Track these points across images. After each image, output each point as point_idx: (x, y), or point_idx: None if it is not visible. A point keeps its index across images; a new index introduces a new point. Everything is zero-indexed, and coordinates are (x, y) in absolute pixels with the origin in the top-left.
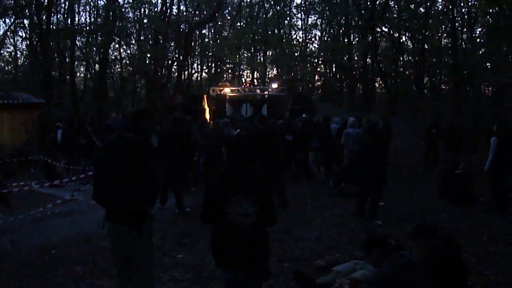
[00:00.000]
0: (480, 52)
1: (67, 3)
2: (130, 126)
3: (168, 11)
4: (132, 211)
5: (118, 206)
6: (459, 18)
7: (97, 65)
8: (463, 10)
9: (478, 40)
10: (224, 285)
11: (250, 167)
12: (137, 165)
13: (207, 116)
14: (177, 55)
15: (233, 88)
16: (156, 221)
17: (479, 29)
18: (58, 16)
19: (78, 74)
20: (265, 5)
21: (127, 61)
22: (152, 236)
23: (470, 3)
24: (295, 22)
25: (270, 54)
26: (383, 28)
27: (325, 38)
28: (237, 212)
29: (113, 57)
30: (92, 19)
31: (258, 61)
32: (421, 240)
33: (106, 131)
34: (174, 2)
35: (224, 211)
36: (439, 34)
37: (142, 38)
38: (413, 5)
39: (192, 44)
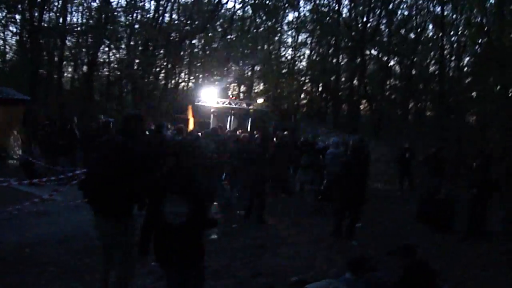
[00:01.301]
0: (467, 81)
1: (60, 1)
2: (121, 129)
3: (160, 19)
4: (118, 208)
5: (105, 203)
6: (448, 46)
7: (85, 67)
8: (453, 38)
9: (465, 69)
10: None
11: (185, 170)
12: (123, 166)
13: (191, 126)
14: (165, 63)
15: (219, 100)
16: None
17: (467, 58)
18: (50, 14)
19: (65, 74)
20: (257, 20)
21: (115, 65)
22: (134, 231)
23: (460, 32)
24: (285, 39)
25: (258, 69)
26: (372, 51)
27: (314, 57)
28: (170, 211)
29: (101, 60)
30: (84, 20)
31: (246, 75)
32: (399, 259)
33: (91, 133)
34: (167, 10)
35: (160, 210)
36: (428, 61)
37: (132, 43)
38: (403, 30)
39: (181, 53)
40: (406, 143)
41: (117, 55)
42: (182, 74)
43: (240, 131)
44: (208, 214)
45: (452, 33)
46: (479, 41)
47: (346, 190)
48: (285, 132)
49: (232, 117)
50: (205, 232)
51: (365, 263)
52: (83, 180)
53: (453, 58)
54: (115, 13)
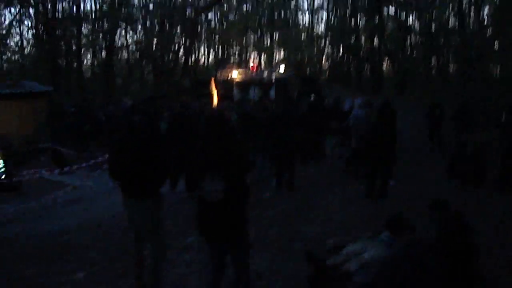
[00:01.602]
0: (487, 33)
1: None
2: (137, 110)
3: None
4: (141, 187)
5: (129, 183)
6: None
7: (103, 52)
8: None
9: (485, 20)
10: (210, 257)
11: (220, 145)
12: (143, 145)
13: (215, 100)
14: (183, 40)
15: (241, 72)
16: (165, 202)
17: (487, 9)
18: (64, 4)
19: (85, 62)
20: None
21: (134, 48)
22: (160, 210)
23: None
24: (302, 5)
25: (276, 37)
26: (390, 9)
27: (332, 20)
28: (208, 188)
29: (119, 44)
30: (98, 6)
31: (265, 44)
32: (433, 213)
33: (111, 116)
34: None
35: (199, 187)
36: (447, 15)
37: (148, 24)
38: None
39: (198, 28)
40: (435, 99)
41: (135, 37)
42: (201, 49)
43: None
44: (247, 184)
45: None
46: None
47: (376, 151)
48: (312, 97)
49: (255, 87)
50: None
51: (403, 222)
52: (109, 163)
53: (472, 10)
54: None
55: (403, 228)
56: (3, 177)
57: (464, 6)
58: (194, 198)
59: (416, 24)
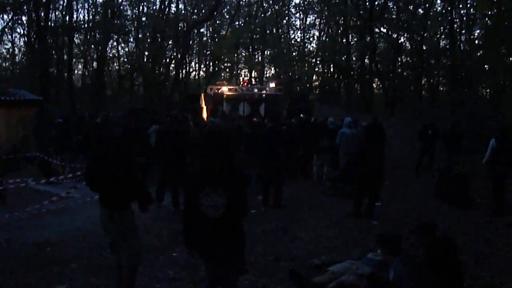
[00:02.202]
0: (478, 54)
1: (65, 0)
2: (116, 123)
3: (167, 9)
4: (113, 198)
5: (102, 192)
6: (457, 20)
7: (95, 63)
8: (462, 11)
9: (476, 42)
10: (206, 273)
11: (222, 160)
12: (117, 158)
13: (204, 114)
14: (175, 54)
15: (231, 87)
16: (151, 218)
17: (478, 31)
18: (56, 13)
19: (76, 72)
20: (264, 4)
21: (125, 59)
22: (132, 221)
23: (468, 5)
24: (294, 22)
25: (268, 54)
26: (382, 29)
27: (324, 38)
28: (208, 203)
29: (111, 55)
30: (91, 17)
31: (256, 60)
32: (420, 237)
33: (96, 128)
34: (173, 0)
35: (198, 203)
36: (438, 36)
37: (140, 36)
38: (411, 6)
39: (190, 42)
40: (425, 119)
41: (126, 49)
42: (193, 64)
43: (253, 119)
44: (246, 201)
45: (461, 6)
46: (489, 13)
47: (363, 170)
48: (301, 115)
49: (245, 103)
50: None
51: (399, 242)
52: (85, 172)
53: (463, 31)
54: (121, 7)
55: (399, 248)
56: None
57: (455, 27)
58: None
59: (407, 44)
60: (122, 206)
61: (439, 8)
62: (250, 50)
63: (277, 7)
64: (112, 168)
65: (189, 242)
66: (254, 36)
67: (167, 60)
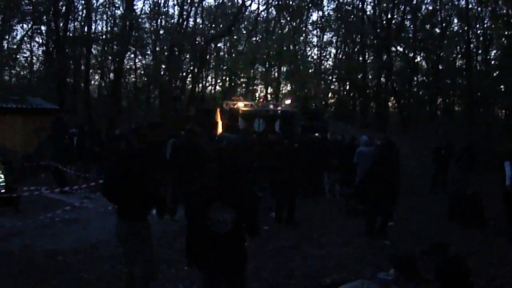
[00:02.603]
0: (494, 74)
1: (84, 11)
2: (138, 136)
3: (185, 23)
4: (130, 210)
5: (120, 204)
6: (474, 40)
7: (111, 74)
8: (479, 31)
9: (492, 62)
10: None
11: (233, 178)
12: (136, 171)
13: (219, 129)
14: (191, 67)
15: (247, 103)
16: (163, 232)
17: (494, 51)
18: (75, 23)
19: (92, 82)
20: (281, 20)
21: (142, 71)
22: (149, 233)
23: (486, 25)
24: (311, 39)
25: (284, 70)
26: (398, 48)
27: (340, 56)
28: (216, 218)
29: (128, 67)
30: (109, 28)
31: (272, 76)
32: (432, 258)
33: (114, 140)
34: (191, 14)
35: (204, 217)
36: (454, 55)
37: (157, 49)
38: (428, 26)
39: (207, 57)
40: (439, 139)
41: (143, 61)
42: (209, 78)
43: (273, 136)
44: (257, 221)
45: (477, 26)
46: (506, 33)
47: (377, 190)
48: (316, 134)
49: (260, 119)
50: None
51: (414, 266)
52: (103, 183)
53: (479, 51)
54: (140, 20)
55: (414, 272)
56: (2, 191)
57: (471, 47)
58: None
59: (424, 64)
60: (140, 218)
61: (456, 28)
62: (267, 66)
63: (294, 24)
64: (132, 181)
65: (190, 256)
66: (271, 52)
67: (184, 73)
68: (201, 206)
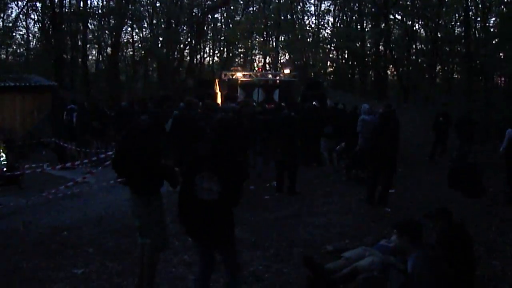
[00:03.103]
0: (494, 42)
1: None
2: (146, 109)
3: None
4: (141, 184)
5: (131, 179)
6: (473, 7)
7: (109, 48)
8: None
9: (491, 29)
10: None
11: (224, 148)
12: (146, 146)
13: (219, 100)
14: (189, 39)
15: (245, 73)
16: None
17: (493, 19)
18: None
19: (90, 57)
20: None
21: (139, 45)
22: (161, 207)
23: None
24: (308, 8)
25: (282, 39)
26: (396, 16)
27: (338, 25)
28: (202, 186)
29: (125, 41)
30: (105, 2)
31: (270, 46)
32: (438, 222)
33: (122, 114)
34: None
35: (192, 183)
36: (453, 23)
37: (154, 21)
38: None
39: (205, 28)
40: (439, 107)
41: (140, 35)
42: (207, 49)
43: (271, 105)
44: (239, 193)
45: None
46: (504, 0)
47: (378, 157)
48: (314, 103)
49: (260, 89)
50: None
51: (421, 231)
52: (113, 159)
53: (478, 18)
54: None
55: (420, 238)
56: (4, 169)
57: (470, 14)
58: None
59: (422, 31)
60: (152, 192)
61: None
62: (264, 36)
63: None
64: (141, 156)
65: (184, 222)
66: (269, 22)
67: (182, 46)
68: (190, 174)
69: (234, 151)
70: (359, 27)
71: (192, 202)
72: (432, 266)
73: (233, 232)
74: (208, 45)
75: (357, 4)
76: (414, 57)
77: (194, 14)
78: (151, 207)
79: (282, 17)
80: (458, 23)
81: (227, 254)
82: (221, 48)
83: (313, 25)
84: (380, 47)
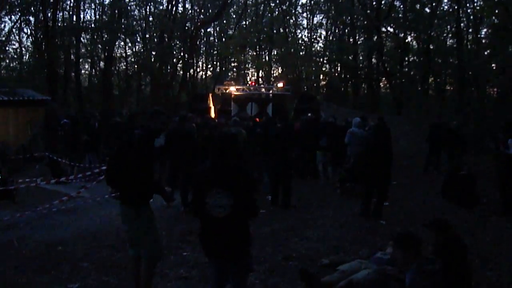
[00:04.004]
0: (486, 53)
1: (72, 0)
2: (139, 123)
3: (174, 9)
4: (132, 196)
5: (122, 191)
6: (464, 19)
7: (102, 63)
8: (469, 10)
9: (483, 41)
10: (211, 274)
11: (230, 162)
12: (138, 158)
13: (212, 114)
14: (182, 54)
15: (239, 87)
16: (160, 218)
17: (485, 30)
18: (64, 13)
19: (83, 72)
20: (271, 3)
21: (132, 59)
22: (152, 217)
23: (476, 3)
24: (301, 21)
25: (275, 53)
26: (389, 28)
27: (331, 38)
28: (214, 203)
29: (118, 55)
30: (98, 17)
31: (263, 60)
32: (435, 233)
33: (115, 127)
34: (180, 0)
35: (204, 202)
36: (445, 35)
37: (147, 36)
38: (418, 5)
39: (198, 42)
40: (432, 119)
41: (133, 49)
42: (200, 63)
43: (256, 119)
44: (255, 202)
45: (468, 5)
46: (496, 12)
47: (371, 170)
48: (309, 114)
49: (253, 103)
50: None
51: (419, 242)
52: (106, 171)
53: (470, 30)
54: (128, 7)
55: (414, 246)
56: None
57: (462, 26)
58: (191, 214)
59: (414, 44)
60: (143, 203)
61: (446, 7)
62: (257, 49)
63: (284, 7)
64: (131, 169)
65: (202, 246)
66: (261, 36)
67: (175, 60)
68: (200, 194)
69: (240, 163)
70: (351, 40)
71: (206, 221)
72: (429, 279)
73: (250, 244)
74: (201, 59)
75: (349, 17)
76: (406, 69)
77: (187, 28)
78: (142, 217)
79: (275, 31)
80: (450, 35)
81: (239, 272)
82: (214, 62)
83: (305, 39)
84: (373, 59)
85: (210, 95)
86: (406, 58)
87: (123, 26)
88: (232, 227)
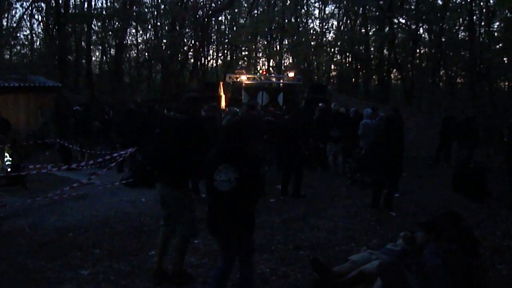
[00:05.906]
0: (498, 46)
1: None
2: (182, 109)
3: None
4: (177, 178)
5: (168, 173)
6: (477, 12)
7: (113, 50)
8: (481, 3)
9: (495, 34)
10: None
11: (236, 143)
12: (183, 141)
13: (223, 103)
14: (193, 42)
15: (250, 76)
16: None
17: (497, 23)
18: (75, 0)
19: (93, 59)
20: None
21: (143, 47)
22: (191, 198)
23: None
24: (312, 11)
25: (286, 43)
26: (401, 20)
27: (342, 28)
28: (221, 178)
29: (129, 42)
30: (109, 4)
31: (274, 49)
32: (446, 226)
33: (131, 114)
34: None
35: (212, 179)
36: (457, 27)
37: (158, 24)
38: None
39: (209, 31)
40: (442, 111)
41: (144, 37)
42: (211, 52)
43: (271, 109)
44: (261, 180)
45: None
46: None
47: (383, 161)
48: (320, 104)
49: (264, 92)
50: (256, 200)
51: (441, 228)
52: (152, 153)
53: (482, 23)
54: None
55: (436, 230)
56: (9, 170)
57: (474, 19)
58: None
59: (426, 36)
60: (185, 183)
61: (459, 0)
62: (269, 39)
63: None
64: (181, 150)
65: (208, 218)
66: (273, 25)
67: (185, 48)
68: (209, 172)
69: (246, 141)
70: (363, 31)
71: (214, 197)
72: (445, 259)
73: (253, 226)
74: (212, 48)
75: (361, 8)
76: (418, 61)
77: (198, 16)
78: (183, 196)
79: (286, 21)
80: (462, 28)
81: (243, 248)
82: (225, 51)
83: (317, 29)
84: (384, 51)
85: (221, 83)
86: (418, 50)
87: (134, 13)
88: (237, 202)
